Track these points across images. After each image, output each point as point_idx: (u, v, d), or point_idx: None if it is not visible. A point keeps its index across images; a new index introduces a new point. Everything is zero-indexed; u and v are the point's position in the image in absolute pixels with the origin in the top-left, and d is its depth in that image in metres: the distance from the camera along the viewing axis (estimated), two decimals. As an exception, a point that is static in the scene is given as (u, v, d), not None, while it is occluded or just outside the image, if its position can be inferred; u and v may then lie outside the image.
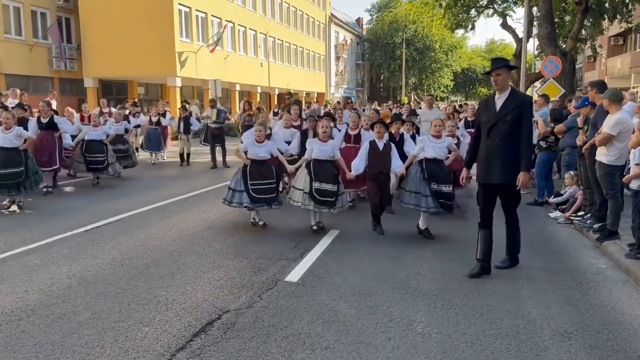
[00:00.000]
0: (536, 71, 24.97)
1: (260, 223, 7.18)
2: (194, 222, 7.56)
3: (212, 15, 28.84)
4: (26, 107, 10.04)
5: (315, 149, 6.74)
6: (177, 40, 25.31)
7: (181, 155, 14.42)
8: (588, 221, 7.09)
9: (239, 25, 31.99)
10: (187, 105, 14.30)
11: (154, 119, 14.35)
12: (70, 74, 26.16)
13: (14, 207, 8.16)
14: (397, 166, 6.86)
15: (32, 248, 6.11)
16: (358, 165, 6.89)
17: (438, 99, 58.81)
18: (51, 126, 9.71)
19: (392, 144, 7.02)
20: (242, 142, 7.38)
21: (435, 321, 4.15)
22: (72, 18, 26.54)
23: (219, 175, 12.32)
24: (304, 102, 27.72)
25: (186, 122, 13.88)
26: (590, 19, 21.24)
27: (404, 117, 11.68)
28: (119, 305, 4.39)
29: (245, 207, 6.97)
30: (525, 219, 7.71)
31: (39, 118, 9.74)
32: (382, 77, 60.58)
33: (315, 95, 43.20)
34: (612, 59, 34.45)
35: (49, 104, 9.95)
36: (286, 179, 7.03)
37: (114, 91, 28.21)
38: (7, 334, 3.83)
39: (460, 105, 20.90)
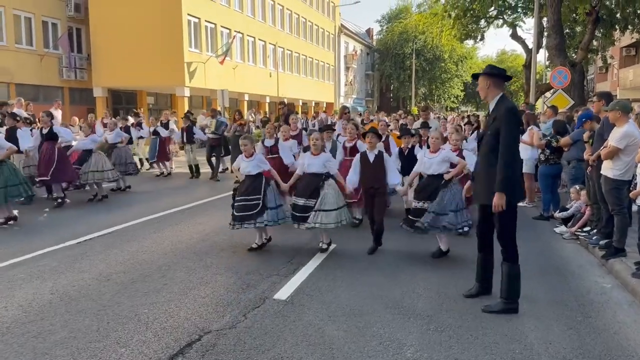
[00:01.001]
0: (547, 82, 24.69)
1: (262, 241, 6.62)
2: (188, 235, 7.41)
3: (221, 26, 28.98)
4: (19, 118, 10.02)
5: (306, 163, 6.51)
6: (186, 50, 25.44)
7: (190, 167, 14.28)
8: (594, 237, 6.82)
9: (248, 35, 32.10)
10: (190, 116, 14.20)
11: (150, 129, 14.25)
12: (80, 83, 26.39)
13: None
14: (394, 182, 6.61)
15: (20, 261, 6.01)
16: (352, 178, 6.58)
17: (448, 109, 58.54)
18: (51, 136, 9.68)
19: (384, 153, 6.73)
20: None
21: (427, 345, 3.94)
22: (82, 28, 26.81)
23: (220, 186, 12.19)
24: (312, 111, 27.65)
25: (189, 133, 13.81)
26: (601, 30, 21.01)
27: (410, 127, 11.53)
28: (98, 323, 4.23)
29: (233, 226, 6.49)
30: (530, 234, 7.55)
31: (41, 129, 9.74)
32: (391, 88, 60.45)
33: (325, 105, 43.15)
34: (624, 69, 33.97)
35: (49, 114, 9.91)
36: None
37: (123, 101, 28.39)
38: (-23, 354, 3.69)
39: (469, 116, 20.56)
